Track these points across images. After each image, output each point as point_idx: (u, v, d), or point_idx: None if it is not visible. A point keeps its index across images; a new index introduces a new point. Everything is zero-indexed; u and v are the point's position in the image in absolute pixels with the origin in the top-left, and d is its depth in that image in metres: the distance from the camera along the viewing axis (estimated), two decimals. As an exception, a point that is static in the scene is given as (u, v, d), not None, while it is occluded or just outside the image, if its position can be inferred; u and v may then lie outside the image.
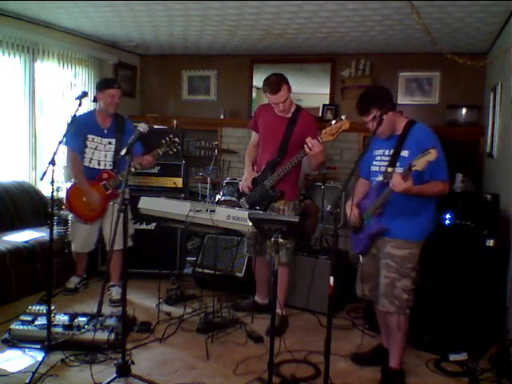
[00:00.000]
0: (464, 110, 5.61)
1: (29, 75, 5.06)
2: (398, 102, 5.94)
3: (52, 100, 5.40)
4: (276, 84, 3.45)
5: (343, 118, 3.20)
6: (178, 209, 3.46)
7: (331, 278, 2.36)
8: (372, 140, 2.87)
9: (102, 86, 4.05)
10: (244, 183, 3.72)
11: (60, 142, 3.04)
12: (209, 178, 5.40)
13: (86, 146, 4.06)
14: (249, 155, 3.86)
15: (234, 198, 4.22)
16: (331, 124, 3.23)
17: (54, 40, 5.31)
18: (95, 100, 4.15)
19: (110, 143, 4.09)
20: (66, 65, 5.55)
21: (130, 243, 3.61)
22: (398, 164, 2.79)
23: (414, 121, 2.91)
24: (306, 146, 3.24)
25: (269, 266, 3.74)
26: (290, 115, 3.59)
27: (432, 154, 2.48)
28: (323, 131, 3.24)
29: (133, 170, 3.84)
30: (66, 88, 5.59)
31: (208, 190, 5.42)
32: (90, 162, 4.07)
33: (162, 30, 5.23)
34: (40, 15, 4.84)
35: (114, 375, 2.79)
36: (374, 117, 2.77)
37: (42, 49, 5.18)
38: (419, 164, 2.51)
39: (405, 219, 2.83)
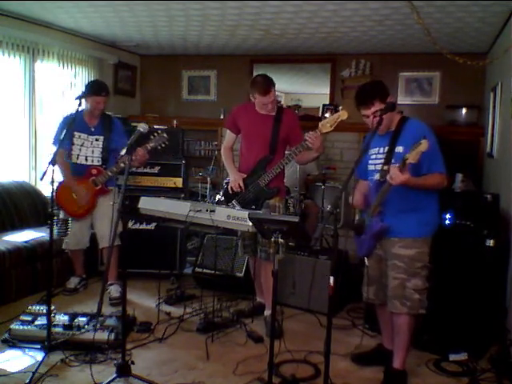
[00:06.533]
0: (464, 110, 5.61)
1: (29, 75, 5.06)
2: (398, 102, 5.93)
3: (52, 100, 5.39)
4: (266, 85, 3.51)
5: (340, 108, 3.22)
6: (178, 209, 3.45)
7: (331, 278, 2.36)
8: (371, 137, 2.81)
9: (90, 91, 4.05)
10: (234, 183, 3.66)
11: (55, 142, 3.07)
12: (209, 178, 5.41)
13: (72, 143, 4.09)
14: (227, 157, 3.84)
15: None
16: (326, 117, 3.30)
17: (53, 40, 5.31)
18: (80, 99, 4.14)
19: (97, 140, 4.13)
20: (65, 65, 5.55)
21: (118, 242, 3.75)
22: (393, 160, 2.77)
23: (407, 117, 2.91)
24: (307, 142, 3.27)
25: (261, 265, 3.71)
26: (274, 114, 3.63)
27: (423, 145, 2.47)
28: (320, 123, 3.31)
29: (122, 165, 3.88)
30: (66, 88, 5.59)
31: (208, 190, 5.43)
32: (78, 158, 4.11)
33: (162, 29, 5.23)
34: (40, 15, 4.84)
35: (114, 375, 2.79)
36: (376, 110, 2.75)
37: (42, 49, 5.18)
38: (412, 157, 2.50)
39: (407, 216, 2.81)
